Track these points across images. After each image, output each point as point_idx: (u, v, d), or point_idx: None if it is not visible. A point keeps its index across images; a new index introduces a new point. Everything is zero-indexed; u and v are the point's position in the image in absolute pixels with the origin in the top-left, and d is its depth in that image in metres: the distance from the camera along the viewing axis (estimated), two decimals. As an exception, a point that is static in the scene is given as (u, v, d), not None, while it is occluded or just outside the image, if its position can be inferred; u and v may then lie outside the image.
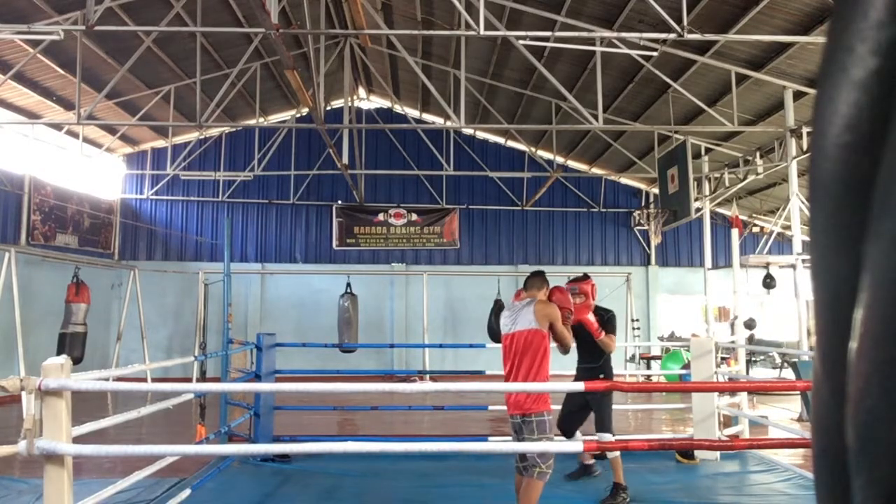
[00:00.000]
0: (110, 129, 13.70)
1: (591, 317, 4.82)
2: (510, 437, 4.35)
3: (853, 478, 0.33)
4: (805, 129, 9.77)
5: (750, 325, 12.99)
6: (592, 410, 5.13)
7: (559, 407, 5.09)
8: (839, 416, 0.35)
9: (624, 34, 8.32)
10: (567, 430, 5.25)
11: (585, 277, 5.05)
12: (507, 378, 4.15)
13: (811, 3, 7.65)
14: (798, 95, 9.65)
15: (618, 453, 5.02)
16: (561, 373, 5.69)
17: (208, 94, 11.66)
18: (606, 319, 5.01)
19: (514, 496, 4.31)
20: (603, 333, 4.89)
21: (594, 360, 5.17)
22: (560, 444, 4.82)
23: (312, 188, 15.74)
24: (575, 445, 4.36)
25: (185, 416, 8.73)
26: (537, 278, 4.35)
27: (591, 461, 5.69)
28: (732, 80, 9.49)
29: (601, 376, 5.08)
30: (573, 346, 4.50)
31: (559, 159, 15.15)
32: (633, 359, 14.54)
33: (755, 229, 15.80)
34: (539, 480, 3.94)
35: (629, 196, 16.47)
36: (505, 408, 4.36)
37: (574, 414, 5.25)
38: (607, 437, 4.85)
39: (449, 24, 10.68)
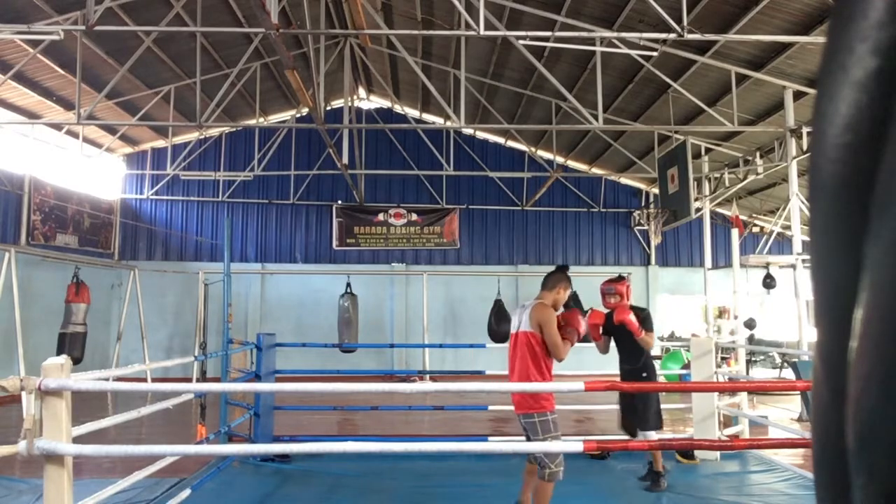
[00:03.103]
0: (110, 129, 13.70)
1: (631, 317, 5.10)
2: (515, 438, 4.36)
3: (853, 478, 0.33)
4: (805, 129, 9.77)
5: (750, 325, 12.99)
6: (637, 410, 5.34)
7: (562, 406, 5.07)
8: (839, 416, 0.35)
9: (624, 34, 8.32)
10: (628, 431, 5.42)
11: (620, 279, 5.39)
12: (510, 378, 4.18)
13: (811, 3, 7.65)
14: (798, 95, 9.64)
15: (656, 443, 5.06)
16: (604, 372, 5.69)
17: (208, 94, 11.66)
18: (643, 318, 5.28)
19: (514, 496, 4.34)
20: (643, 332, 5.15)
21: (635, 361, 5.37)
22: (562, 444, 4.81)
23: (312, 188, 15.73)
24: (574, 446, 4.36)
25: (185, 416, 8.73)
26: (550, 278, 4.21)
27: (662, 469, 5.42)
28: (732, 80, 9.48)
29: (644, 375, 5.34)
30: (603, 351, 5.23)
31: (559, 159, 15.15)
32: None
33: (755, 229, 15.80)
34: (549, 482, 3.95)
35: (629, 196, 16.46)
36: (507, 407, 4.38)
37: (626, 416, 5.41)
38: (651, 435, 5.15)
39: (449, 24, 10.68)
